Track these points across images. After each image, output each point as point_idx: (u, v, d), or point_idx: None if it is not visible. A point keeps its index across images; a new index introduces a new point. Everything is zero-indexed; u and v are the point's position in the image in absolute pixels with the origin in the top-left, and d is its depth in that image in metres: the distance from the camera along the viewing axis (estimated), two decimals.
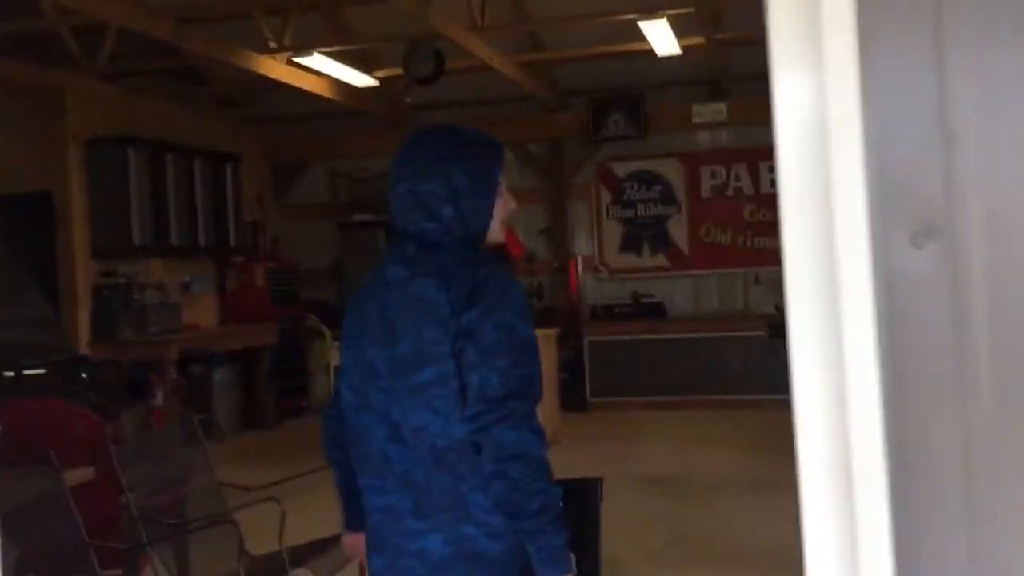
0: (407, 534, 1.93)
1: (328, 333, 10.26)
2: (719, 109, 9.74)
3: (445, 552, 1.89)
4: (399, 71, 8.57)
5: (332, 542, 3.72)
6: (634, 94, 9.93)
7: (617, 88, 9.95)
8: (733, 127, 9.96)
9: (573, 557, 1.89)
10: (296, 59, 8.20)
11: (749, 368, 9.16)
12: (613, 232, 10.36)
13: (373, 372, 1.97)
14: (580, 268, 10.27)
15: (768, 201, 9.92)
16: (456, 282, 1.91)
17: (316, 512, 4.48)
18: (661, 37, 7.78)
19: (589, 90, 10.05)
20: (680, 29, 7.72)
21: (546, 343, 7.14)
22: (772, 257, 9.89)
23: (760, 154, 9.91)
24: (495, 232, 2.04)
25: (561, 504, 1.86)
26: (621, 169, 10.26)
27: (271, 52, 8.04)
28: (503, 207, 2.05)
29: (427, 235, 1.97)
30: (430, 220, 1.97)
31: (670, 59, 8.51)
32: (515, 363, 1.87)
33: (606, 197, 10.38)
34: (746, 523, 5.47)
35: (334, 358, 7.91)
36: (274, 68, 8.29)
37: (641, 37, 7.83)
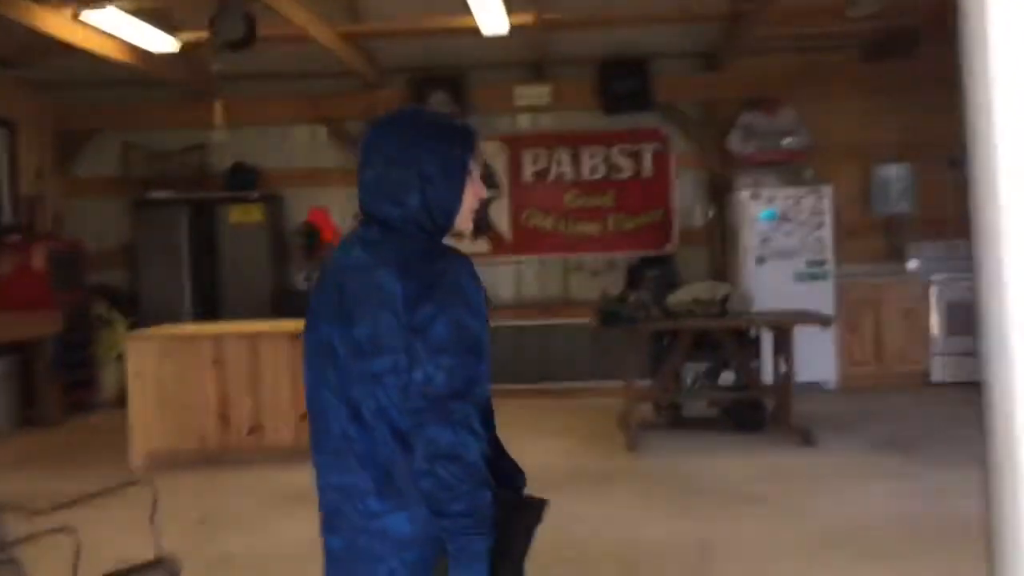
0: (369, 514, 1.92)
1: (120, 320, 9.37)
2: (542, 92, 9.57)
3: (409, 531, 1.89)
4: (204, 35, 7.82)
5: (145, 569, 3.18)
6: (456, 73, 9.61)
7: (439, 67, 9.59)
8: (555, 111, 9.82)
9: (491, 565, 1.86)
10: (85, 15, 7.30)
11: (574, 355, 9.06)
12: None
13: (331, 352, 1.96)
14: None
15: (589, 187, 9.87)
16: (414, 275, 1.89)
17: (122, 533, 3.89)
18: (490, 13, 7.47)
19: (410, 68, 9.64)
20: (507, 7, 7.45)
21: None
22: (593, 243, 9.88)
23: (582, 139, 9.84)
24: (463, 221, 2.02)
25: (490, 511, 1.84)
26: None
27: (55, 5, 7.12)
28: (472, 196, 2.02)
29: (391, 221, 1.96)
30: (396, 207, 1.96)
31: (493, 39, 8.23)
32: (463, 363, 1.85)
33: None
34: (586, 522, 5.26)
35: (128, 347, 7.14)
36: (59, 25, 7.35)
37: (466, 12, 7.50)
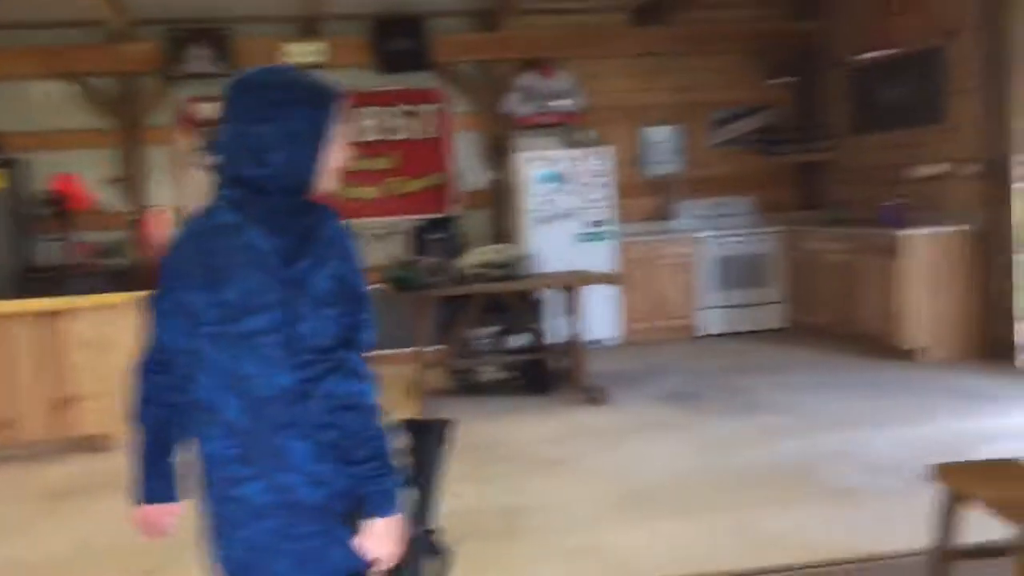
0: (231, 480, 1.93)
1: None
2: (317, 48, 9.08)
3: (265, 500, 1.90)
4: None
5: None
6: (219, 26, 8.93)
7: (199, 19, 8.88)
8: (329, 70, 9.35)
9: (407, 496, 1.96)
10: None
11: None
12: (201, 181, 9.28)
13: (196, 318, 1.93)
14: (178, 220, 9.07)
15: (366, 150, 9.50)
16: (286, 231, 1.88)
17: None
18: None
19: (166, 19, 8.85)
20: None
21: (131, 311, 6.02)
22: (372, 208, 9.55)
23: (358, 100, 9.45)
24: (327, 181, 2.00)
25: (391, 448, 1.90)
26: (207, 111, 9.20)
27: None
28: (337, 156, 2.01)
29: (255, 181, 1.92)
30: (259, 166, 1.91)
31: None
32: (346, 312, 1.86)
33: (190, 142, 9.26)
34: None
35: None
36: None
37: None
